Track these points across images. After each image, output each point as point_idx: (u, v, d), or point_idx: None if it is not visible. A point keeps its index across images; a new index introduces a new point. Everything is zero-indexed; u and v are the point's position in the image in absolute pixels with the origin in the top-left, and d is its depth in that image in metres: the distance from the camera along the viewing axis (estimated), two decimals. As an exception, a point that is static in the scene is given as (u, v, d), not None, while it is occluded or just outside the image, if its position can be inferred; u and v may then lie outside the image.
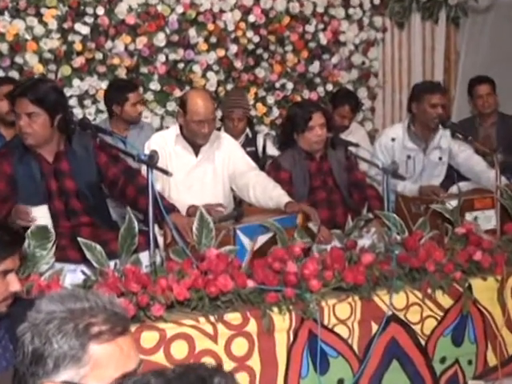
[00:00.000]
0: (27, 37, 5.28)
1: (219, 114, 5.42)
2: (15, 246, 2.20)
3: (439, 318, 3.47)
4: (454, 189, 4.63)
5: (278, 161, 4.47)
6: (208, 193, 4.15)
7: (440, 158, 4.99)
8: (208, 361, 2.89)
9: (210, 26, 5.84)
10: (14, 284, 2.17)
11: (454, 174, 4.81)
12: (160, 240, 3.51)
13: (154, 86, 5.73)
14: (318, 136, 4.33)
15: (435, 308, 3.46)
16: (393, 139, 4.99)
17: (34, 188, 3.47)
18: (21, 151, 3.54)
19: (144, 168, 3.47)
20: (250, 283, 3.05)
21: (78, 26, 5.42)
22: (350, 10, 6.42)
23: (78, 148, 3.61)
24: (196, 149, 4.18)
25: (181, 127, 4.17)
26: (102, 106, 5.40)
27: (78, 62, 5.44)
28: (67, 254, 3.37)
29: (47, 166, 3.56)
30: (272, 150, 5.26)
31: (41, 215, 3.31)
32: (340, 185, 4.43)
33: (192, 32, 5.78)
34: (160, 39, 5.66)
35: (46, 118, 3.47)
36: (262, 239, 3.48)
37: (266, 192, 3.93)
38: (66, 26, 5.38)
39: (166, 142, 4.16)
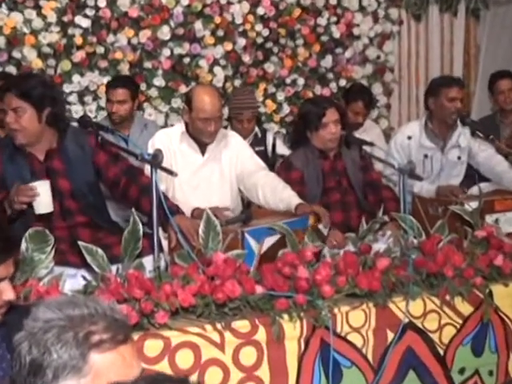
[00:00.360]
0: (25, 30, 5.30)
1: (226, 111, 5.43)
2: (9, 252, 2.18)
3: (458, 326, 3.46)
4: (473, 189, 4.62)
5: (290, 160, 4.46)
6: (215, 193, 4.15)
7: (459, 158, 4.98)
8: (215, 370, 2.90)
9: (217, 19, 5.85)
10: (7, 292, 2.15)
11: (474, 175, 4.80)
12: (164, 244, 3.51)
13: (158, 81, 5.74)
14: (332, 133, 4.32)
15: (454, 315, 3.44)
16: (409, 137, 4.98)
17: None
18: (11, 150, 3.56)
19: (147, 168, 3.47)
20: (259, 289, 3.04)
21: (78, 19, 5.43)
22: (364, 2, 6.43)
23: (73, 146, 3.61)
24: (202, 147, 4.18)
25: (186, 125, 4.17)
26: (103, 102, 5.42)
27: (79, 56, 5.46)
28: (67, 258, 3.37)
29: (38, 165, 3.57)
30: (282, 149, 5.26)
31: (43, 191, 3.35)
32: (355, 185, 4.42)
33: (198, 25, 5.79)
34: (164, 32, 5.67)
35: (33, 113, 3.48)
36: (270, 241, 3.47)
37: (276, 193, 3.92)
38: (65, 18, 5.40)
39: (170, 140, 4.17)
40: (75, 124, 3.70)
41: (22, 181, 3.48)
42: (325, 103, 4.45)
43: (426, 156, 4.94)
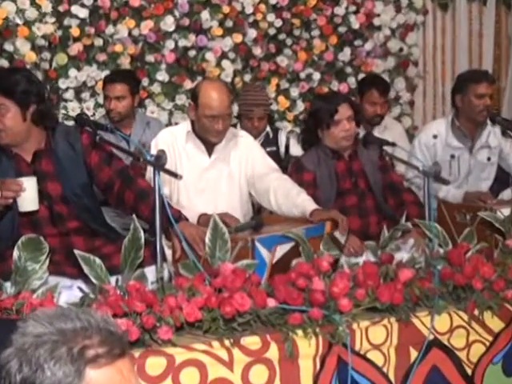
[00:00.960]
0: (18, 21, 5.32)
1: (235, 108, 5.43)
2: None
3: (488, 344, 3.44)
4: (504, 194, 4.61)
5: (301, 161, 4.47)
6: (222, 198, 4.16)
7: (488, 159, 4.98)
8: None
9: (226, 8, 5.86)
10: None
11: (507, 178, 4.79)
12: (168, 253, 3.51)
13: (162, 76, 5.75)
14: (346, 131, 4.32)
15: (483, 332, 3.43)
16: (434, 136, 4.99)
17: None
18: None
19: (150, 169, 3.46)
20: (271, 302, 3.04)
21: (75, 9, 5.45)
22: (386, -10, 6.44)
23: (63, 146, 3.61)
24: (209, 148, 4.18)
25: (192, 123, 4.17)
26: (101, 99, 5.42)
27: (75, 49, 5.48)
28: (62, 269, 3.38)
29: (26, 167, 3.56)
30: (296, 150, 5.26)
31: (29, 187, 3.37)
32: (373, 188, 4.41)
33: (205, 15, 5.81)
34: (168, 23, 5.69)
35: (17, 111, 3.48)
36: (282, 249, 3.47)
37: (290, 198, 3.92)
38: (61, 8, 5.42)
39: (175, 140, 4.17)
40: (71, 122, 3.70)
41: None
42: (336, 98, 4.44)
43: (452, 157, 4.94)
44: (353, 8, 6.32)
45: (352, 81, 6.38)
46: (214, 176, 4.19)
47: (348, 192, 4.37)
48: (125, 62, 5.62)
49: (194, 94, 4.17)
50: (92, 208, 3.68)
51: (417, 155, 4.90)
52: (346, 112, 4.34)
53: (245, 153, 4.22)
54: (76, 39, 5.49)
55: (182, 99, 5.77)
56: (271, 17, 6.02)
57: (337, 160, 4.41)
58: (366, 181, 4.43)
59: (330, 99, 4.48)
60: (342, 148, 4.40)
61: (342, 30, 6.30)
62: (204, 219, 3.76)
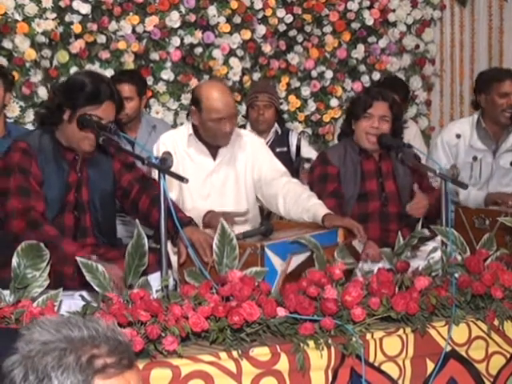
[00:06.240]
0: (17, 17, 5.34)
1: (242, 108, 5.45)
2: None
3: (508, 356, 3.44)
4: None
5: (326, 154, 4.45)
6: (229, 203, 4.16)
7: (511, 164, 4.98)
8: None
9: (234, 4, 5.87)
10: None
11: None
12: (173, 259, 3.52)
13: (167, 75, 5.77)
14: (374, 128, 4.29)
15: (503, 343, 3.43)
16: (458, 136, 4.99)
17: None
18: (48, 155, 3.58)
19: (155, 172, 3.48)
20: (281, 312, 3.04)
21: (76, 4, 5.47)
22: (402, -16, 6.44)
23: (100, 151, 3.65)
24: (213, 151, 4.17)
25: (194, 125, 4.16)
26: (104, 98, 5.44)
27: (77, 46, 5.49)
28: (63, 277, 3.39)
29: (73, 176, 3.62)
30: (308, 151, 5.27)
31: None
32: (401, 193, 4.39)
33: (212, 10, 5.82)
34: (174, 19, 5.70)
35: None
36: (298, 259, 3.47)
37: (300, 202, 3.91)
38: (62, 4, 5.44)
39: (177, 144, 4.16)
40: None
41: (57, 191, 3.55)
42: (377, 94, 4.39)
43: (475, 159, 4.94)
44: (367, 3, 6.32)
45: (366, 79, 6.38)
46: (220, 180, 4.19)
47: (372, 194, 4.35)
48: (128, 60, 5.63)
49: (194, 98, 4.13)
50: (107, 222, 3.72)
51: (439, 154, 4.91)
52: (380, 109, 4.32)
53: (251, 155, 4.21)
54: (78, 36, 5.51)
55: (187, 99, 5.76)
56: (281, 12, 6.03)
57: (365, 158, 4.40)
58: (394, 184, 4.41)
59: (371, 92, 4.47)
60: (367, 143, 4.35)
61: (355, 26, 6.31)
62: (210, 217, 3.79)
